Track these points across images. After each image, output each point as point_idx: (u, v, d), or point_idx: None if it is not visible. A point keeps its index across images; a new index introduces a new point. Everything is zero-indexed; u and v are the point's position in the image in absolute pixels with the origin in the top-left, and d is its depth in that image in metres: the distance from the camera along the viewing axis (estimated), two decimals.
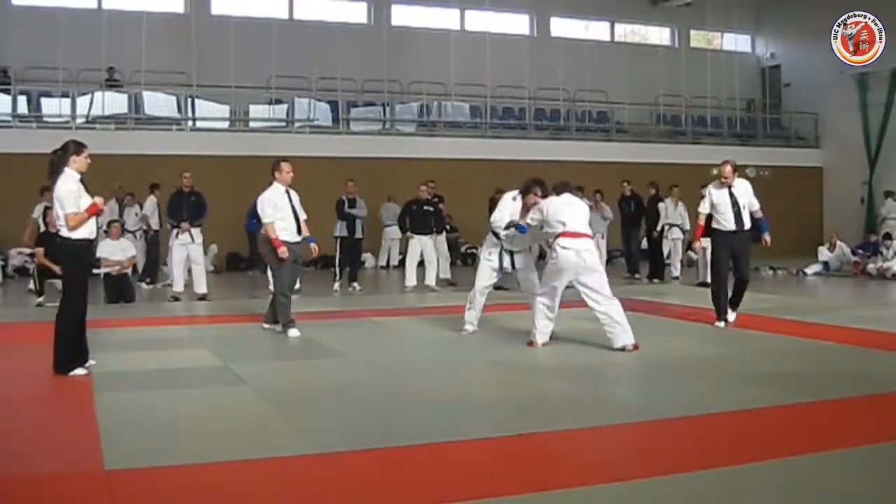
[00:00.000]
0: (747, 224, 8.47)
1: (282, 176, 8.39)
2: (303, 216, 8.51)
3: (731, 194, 8.47)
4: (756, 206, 8.61)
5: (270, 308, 8.56)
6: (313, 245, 8.74)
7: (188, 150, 16.31)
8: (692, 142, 21.89)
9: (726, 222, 8.47)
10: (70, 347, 6.19)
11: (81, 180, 6.25)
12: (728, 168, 8.60)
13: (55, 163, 6.21)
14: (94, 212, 6.19)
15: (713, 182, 8.90)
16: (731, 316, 8.68)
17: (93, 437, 4.43)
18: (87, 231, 6.22)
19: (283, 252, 8.10)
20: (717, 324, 8.64)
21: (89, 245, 6.44)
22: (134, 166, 15.49)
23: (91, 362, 6.32)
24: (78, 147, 6.27)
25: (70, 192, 6.10)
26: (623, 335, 7.03)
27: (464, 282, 13.55)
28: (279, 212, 8.25)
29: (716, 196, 8.53)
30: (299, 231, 8.40)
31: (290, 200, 8.38)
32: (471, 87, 19.83)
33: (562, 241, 7.06)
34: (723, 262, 8.62)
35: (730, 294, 8.71)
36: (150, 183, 14.16)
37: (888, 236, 15.61)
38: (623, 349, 6.99)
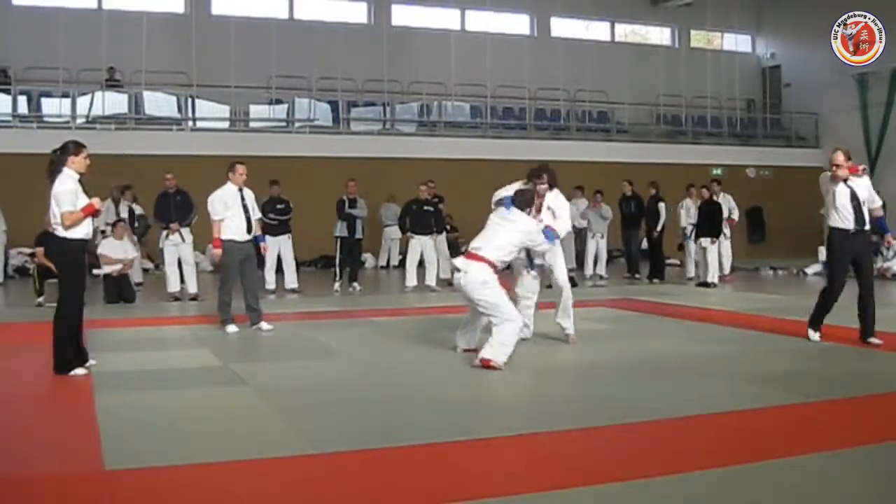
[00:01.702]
0: (868, 223, 7.38)
1: (235, 177, 8.74)
2: (256, 215, 8.85)
3: (850, 188, 7.30)
4: (877, 202, 7.49)
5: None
6: (263, 245, 9.13)
7: (188, 150, 16.31)
8: (692, 142, 21.91)
9: (845, 221, 7.28)
10: (69, 348, 6.19)
11: (80, 181, 6.26)
12: (840, 156, 7.43)
13: (54, 162, 6.24)
14: (90, 212, 6.19)
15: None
16: (875, 339, 7.26)
17: (93, 437, 4.43)
18: (83, 231, 6.23)
19: (216, 253, 8.57)
20: (812, 336, 7.54)
21: (86, 245, 6.44)
22: (134, 166, 15.49)
23: (91, 362, 6.33)
24: (77, 147, 6.29)
25: (67, 192, 6.11)
26: (490, 350, 6.37)
27: None
28: (228, 210, 8.57)
29: (837, 191, 7.32)
30: (249, 230, 8.67)
31: (243, 199, 8.68)
32: (471, 87, 19.83)
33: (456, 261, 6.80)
34: (843, 267, 7.42)
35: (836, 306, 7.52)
36: (123, 184, 13.97)
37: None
38: (479, 364, 6.34)
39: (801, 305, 10.91)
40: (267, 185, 12.81)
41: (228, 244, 8.57)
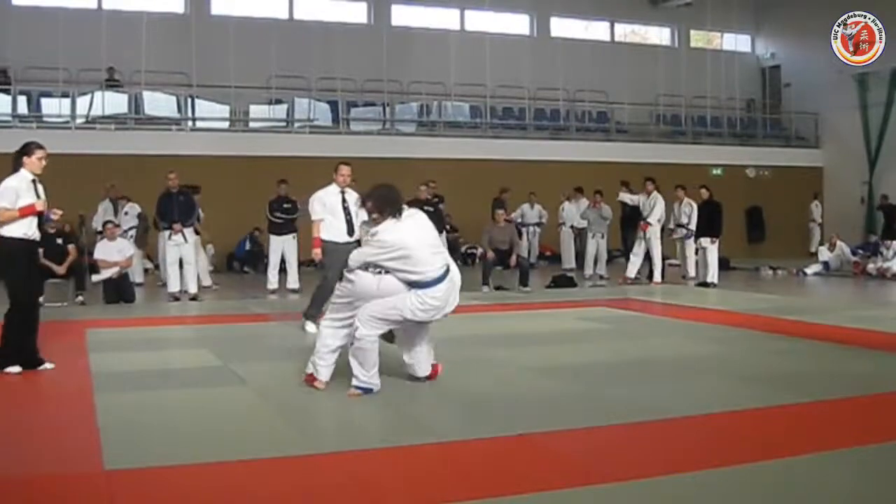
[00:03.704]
0: None
1: (337, 178, 8.53)
2: (358, 219, 8.44)
3: None
4: None
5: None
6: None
7: (188, 150, 16.29)
8: (692, 142, 21.89)
9: None
10: (9, 345, 6.21)
11: (35, 181, 6.27)
12: None
13: (14, 160, 6.31)
14: (27, 212, 6.16)
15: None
16: None
17: (93, 437, 4.43)
18: (22, 230, 6.19)
19: (316, 253, 8.41)
20: None
21: (32, 246, 6.38)
22: (134, 166, 15.49)
23: (47, 366, 6.32)
24: (27, 148, 6.34)
25: (7, 189, 6.14)
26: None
27: (464, 282, 13.54)
28: (328, 211, 8.38)
29: None
30: (350, 232, 8.36)
31: (345, 201, 8.44)
32: (471, 87, 19.82)
33: None
34: None
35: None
36: (110, 184, 14.07)
37: (887, 234, 15.62)
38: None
39: (800, 305, 10.97)
40: (266, 185, 12.85)
41: (329, 245, 8.33)
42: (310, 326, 8.36)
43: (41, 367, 6.30)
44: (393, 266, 5.35)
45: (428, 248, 5.46)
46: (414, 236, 5.41)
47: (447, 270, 5.53)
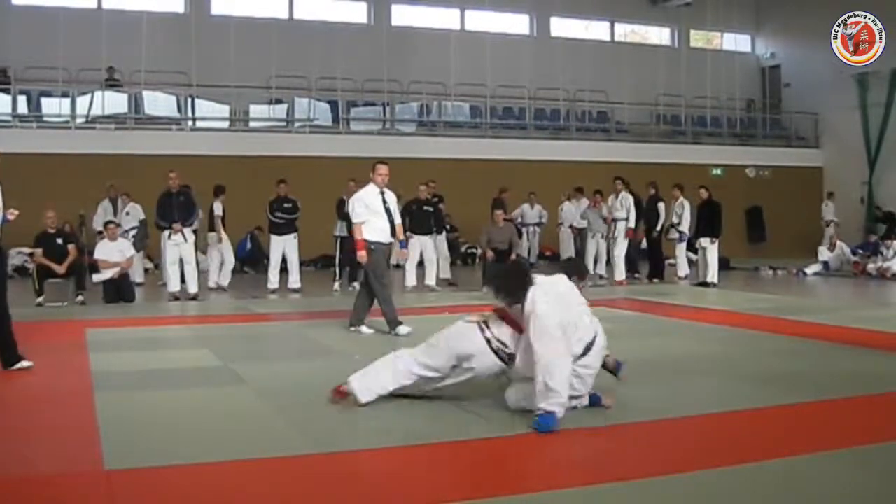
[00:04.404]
0: None
1: (375, 177, 8.28)
2: (398, 219, 8.49)
3: None
4: None
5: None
6: (403, 250, 8.95)
7: (188, 150, 16.31)
8: (692, 142, 21.92)
9: None
10: None
11: None
12: None
13: None
14: None
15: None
16: None
17: (93, 437, 4.43)
18: None
19: (361, 255, 8.18)
20: None
21: None
22: (134, 166, 15.50)
23: (24, 364, 6.29)
24: None
25: None
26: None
27: (464, 282, 13.57)
28: (370, 212, 8.20)
29: None
30: (393, 233, 8.35)
31: (385, 201, 8.28)
32: (471, 87, 19.84)
33: None
34: None
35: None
36: (108, 184, 14.15)
37: (888, 236, 15.61)
38: None
39: (800, 305, 10.97)
40: (266, 185, 12.85)
41: (374, 245, 8.15)
42: (364, 329, 8.27)
43: (16, 366, 6.26)
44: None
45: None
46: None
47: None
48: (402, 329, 8.14)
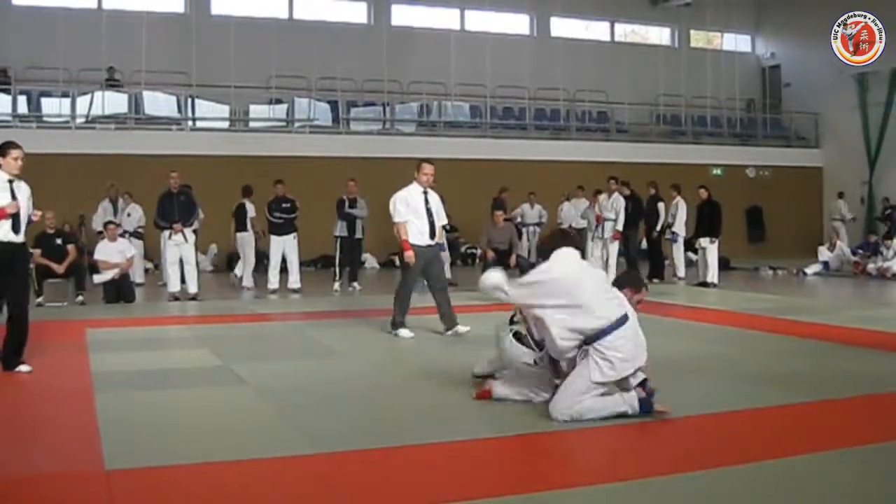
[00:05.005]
0: None
1: (419, 177, 8.07)
2: (441, 220, 8.17)
3: None
4: None
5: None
6: (443, 253, 8.49)
7: (188, 150, 16.31)
8: (692, 142, 21.91)
9: None
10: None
11: (12, 182, 6.17)
12: None
13: None
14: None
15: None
16: None
17: (93, 437, 4.43)
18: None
19: (408, 255, 7.93)
20: None
21: (4, 246, 6.13)
22: (134, 166, 15.50)
23: (23, 368, 6.19)
24: (2, 149, 6.22)
25: None
26: None
27: (464, 282, 13.56)
28: (411, 212, 7.99)
29: None
30: (433, 235, 8.07)
31: (427, 202, 8.04)
32: (471, 87, 19.83)
33: None
34: None
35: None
36: (109, 184, 14.18)
37: (888, 236, 15.59)
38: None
39: (800, 305, 10.96)
40: (266, 185, 12.84)
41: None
42: (403, 332, 8.01)
43: (16, 370, 6.20)
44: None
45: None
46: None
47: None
48: (403, 332, 8.04)
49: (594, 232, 14.09)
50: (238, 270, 13.55)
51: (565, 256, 4.92)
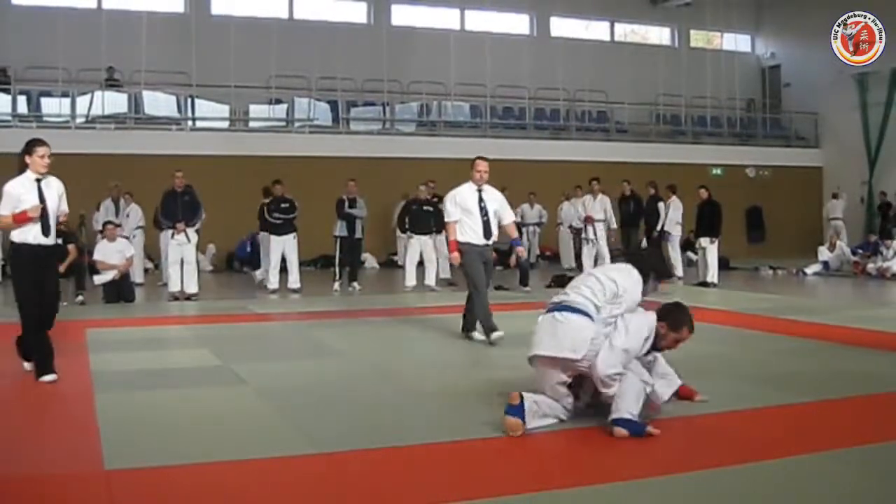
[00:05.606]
0: None
1: (473, 175, 7.83)
2: (507, 219, 7.91)
3: None
4: None
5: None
6: (519, 248, 8.27)
7: (188, 150, 16.31)
8: (692, 142, 21.92)
9: None
10: (31, 346, 6.07)
11: (39, 181, 6.01)
12: None
13: (20, 161, 6.06)
14: (20, 220, 5.88)
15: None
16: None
17: (93, 437, 4.43)
18: (23, 235, 5.91)
19: (454, 258, 7.77)
20: None
21: (34, 251, 5.94)
22: (134, 166, 15.50)
23: (51, 377, 5.90)
24: (28, 147, 6.05)
25: (7, 195, 5.91)
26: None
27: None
28: (463, 211, 7.76)
29: None
30: (488, 234, 7.75)
31: (482, 200, 7.76)
32: (471, 87, 19.83)
33: None
34: None
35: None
36: (113, 184, 14.16)
37: (888, 235, 15.58)
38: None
39: (800, 305, 10.96)
40: (263, 185, 12.84)
41: (465, 246, 7.64)
42: (496, 335, 7.54)
43: (45, 378, 5.91)
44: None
45: None
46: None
47: None
48: (477, 335, 7.71)
49: (585, 233, 14.12)
50: (260, 273, 13.55)
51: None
